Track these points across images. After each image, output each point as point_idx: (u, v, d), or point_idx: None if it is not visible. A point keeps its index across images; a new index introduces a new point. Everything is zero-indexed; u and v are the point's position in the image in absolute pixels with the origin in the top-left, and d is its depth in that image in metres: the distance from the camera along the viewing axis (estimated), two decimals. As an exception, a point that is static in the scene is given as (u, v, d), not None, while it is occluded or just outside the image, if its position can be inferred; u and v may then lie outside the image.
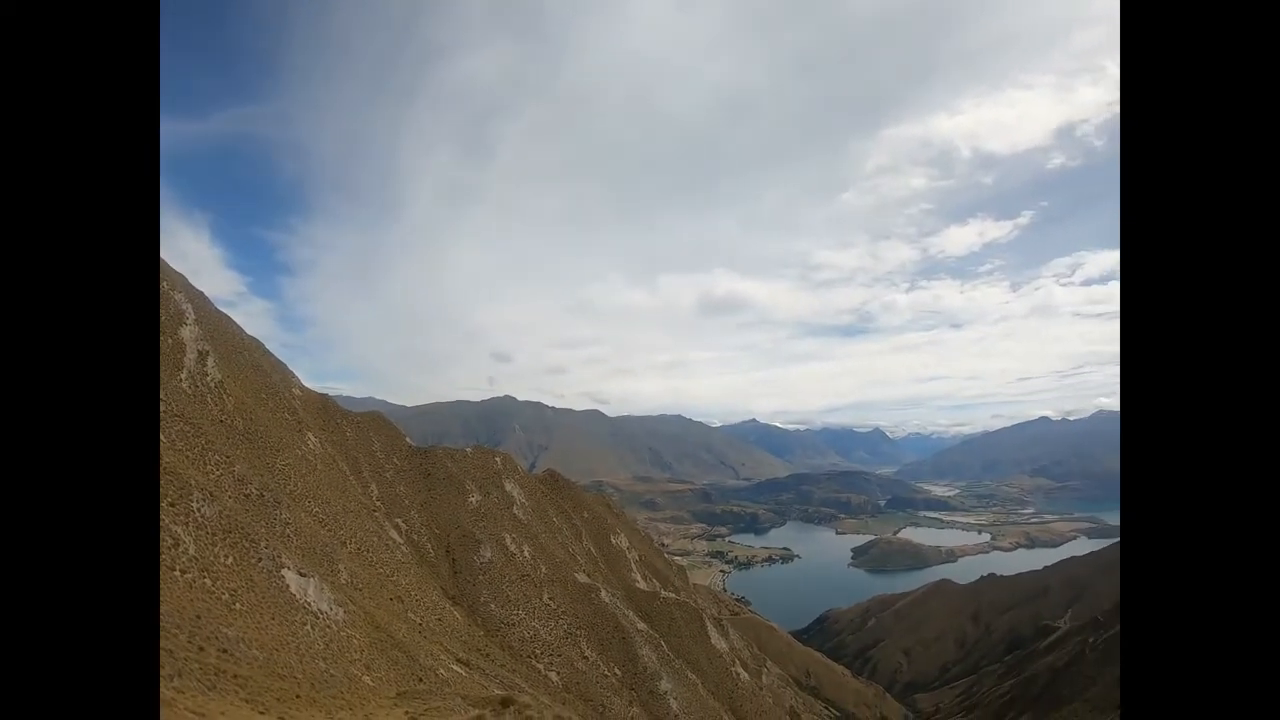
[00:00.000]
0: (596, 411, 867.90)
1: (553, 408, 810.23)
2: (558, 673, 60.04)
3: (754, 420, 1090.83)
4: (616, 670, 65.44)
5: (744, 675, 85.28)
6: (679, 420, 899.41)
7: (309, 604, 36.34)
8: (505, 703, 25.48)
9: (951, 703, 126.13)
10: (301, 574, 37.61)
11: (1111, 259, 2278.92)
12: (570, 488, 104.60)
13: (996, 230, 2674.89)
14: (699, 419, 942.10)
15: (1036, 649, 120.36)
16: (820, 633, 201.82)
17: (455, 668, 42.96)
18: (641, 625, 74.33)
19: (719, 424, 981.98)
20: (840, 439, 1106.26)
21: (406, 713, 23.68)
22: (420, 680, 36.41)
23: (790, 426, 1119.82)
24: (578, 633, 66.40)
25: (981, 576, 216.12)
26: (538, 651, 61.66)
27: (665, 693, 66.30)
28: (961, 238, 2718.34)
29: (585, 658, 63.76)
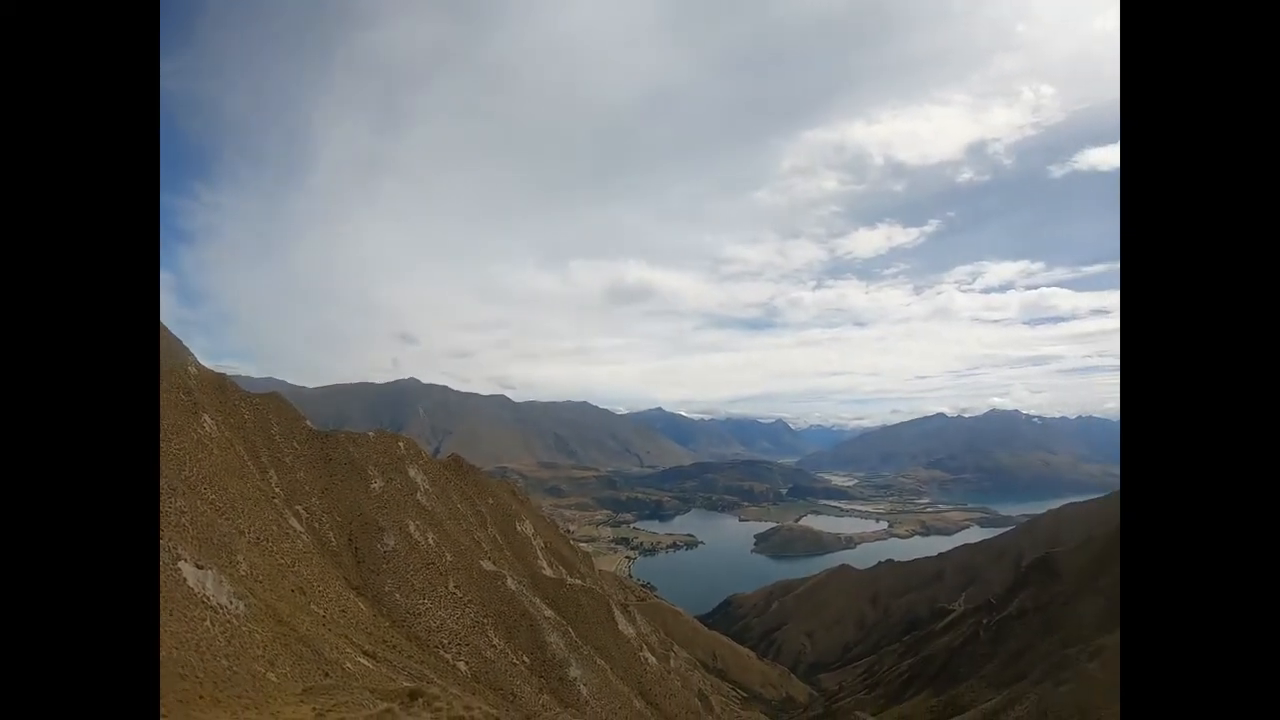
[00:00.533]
0: (502, 396, 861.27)
1: (458, 391, 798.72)
2: (466, 662, 59.02)
3: (660, 409, 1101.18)
4: (525, 658, 64.81)
5: (652, 660, 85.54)
6: (585, 407, 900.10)
7: (208, 598, 34.75)
8: (414, 695, 25.18)
9: (854, 681, 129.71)
10: (199, 566, 35.94)
11: (1009, 270, 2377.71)
12: (475, 473, 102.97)
13: (903, 236, 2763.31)
14: (605, 406, 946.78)
15: (933, 630, 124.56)
16: (725, 617, 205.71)
17: (362, 660, 41.55)
18: (549, 612, 73.74)
19: (625, 411, 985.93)
20: (744, 429, 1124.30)
21: (314, 709, 22.69)
22: (326, 675, 35.02)
23: (695, 416, 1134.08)
24: (485, 621, 65.39)
25: (880, 562, 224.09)
26: (445, 641, 60.64)
27: (575, 679, 66.16)
28: (869, 241, 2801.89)
29: (493, 646, 62.87)
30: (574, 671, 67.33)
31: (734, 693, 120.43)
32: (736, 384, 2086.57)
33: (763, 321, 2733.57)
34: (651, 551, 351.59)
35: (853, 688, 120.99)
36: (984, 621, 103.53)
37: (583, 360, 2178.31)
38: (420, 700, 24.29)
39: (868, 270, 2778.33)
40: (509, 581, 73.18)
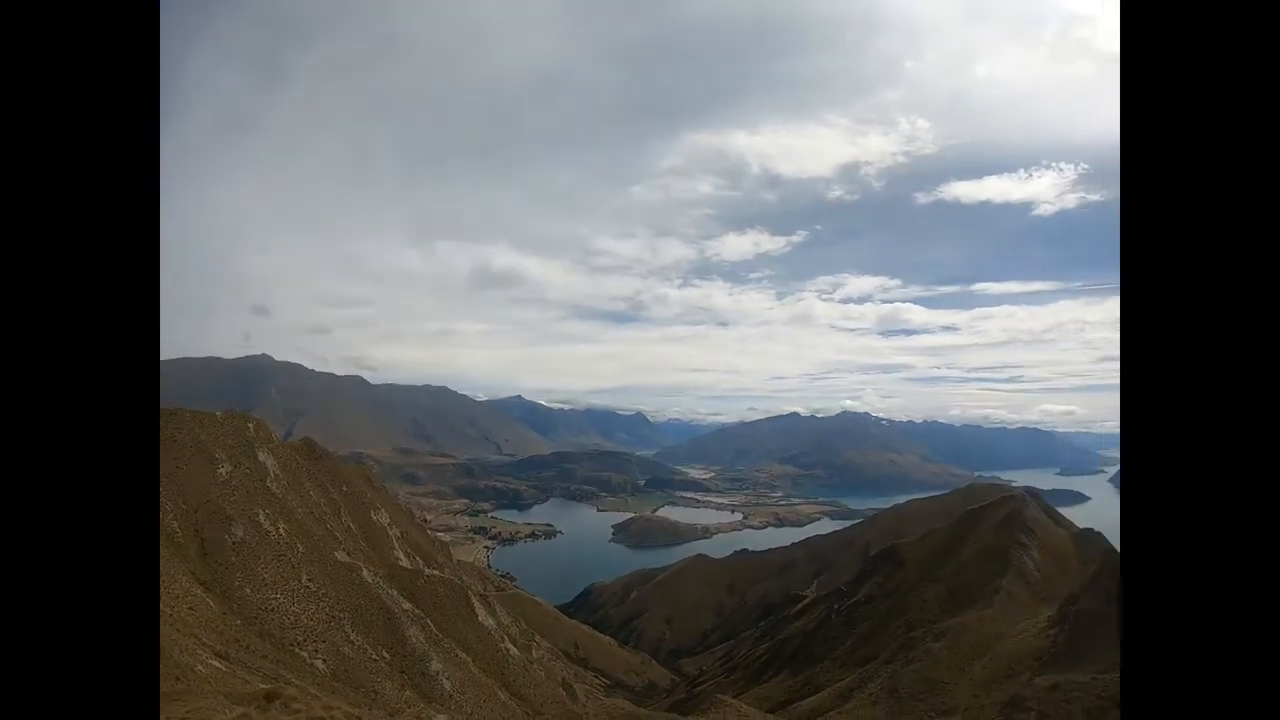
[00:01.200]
0: (359, 377, 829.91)
1: (312, 370, 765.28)
2: (324, 660, 56.54)
3: (519, 396, 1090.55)
4: (385, 653, 62.74)
5: (514, 651, 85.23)
6: (444, 392, 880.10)
7: (45, 597, 32.31)
8: (270, 696, 24.14)
9: (714, 666, 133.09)
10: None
11: (869, 283, 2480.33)
12: (328, 458, 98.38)
13: (771, 244, 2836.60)
14: (464, 391, 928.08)
15: (788, 615, 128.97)
16: (585, 606, 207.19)
17: (214, 662, 39.61)
18: (407, 605, 71.56)
19: (484, 398, 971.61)
20: (603, 420, 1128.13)
21: (167, 717, 21.95)
22: (178, 679, 33.16)
23: (555, 405, 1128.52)
24: (341, 615, 62.66)
25: (735, 551, 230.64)
26: (300, 638, 57.34)
27: (437, 673, 64.30)
28: (738, 245, 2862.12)
29: (351, 642, 60.49)
30: (435, 666, 65.67)
31: (598, 681, 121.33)
32: (598, 375, 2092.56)
33: (628, 315, 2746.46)
34: (510, 541, 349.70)
35: (713, 672, 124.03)
36: (835, 607, 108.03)
37: (445, 344, 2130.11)
38: (278, 702, 23.05)
39: (734, 273, 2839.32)
40: (365, 573, 70.39)
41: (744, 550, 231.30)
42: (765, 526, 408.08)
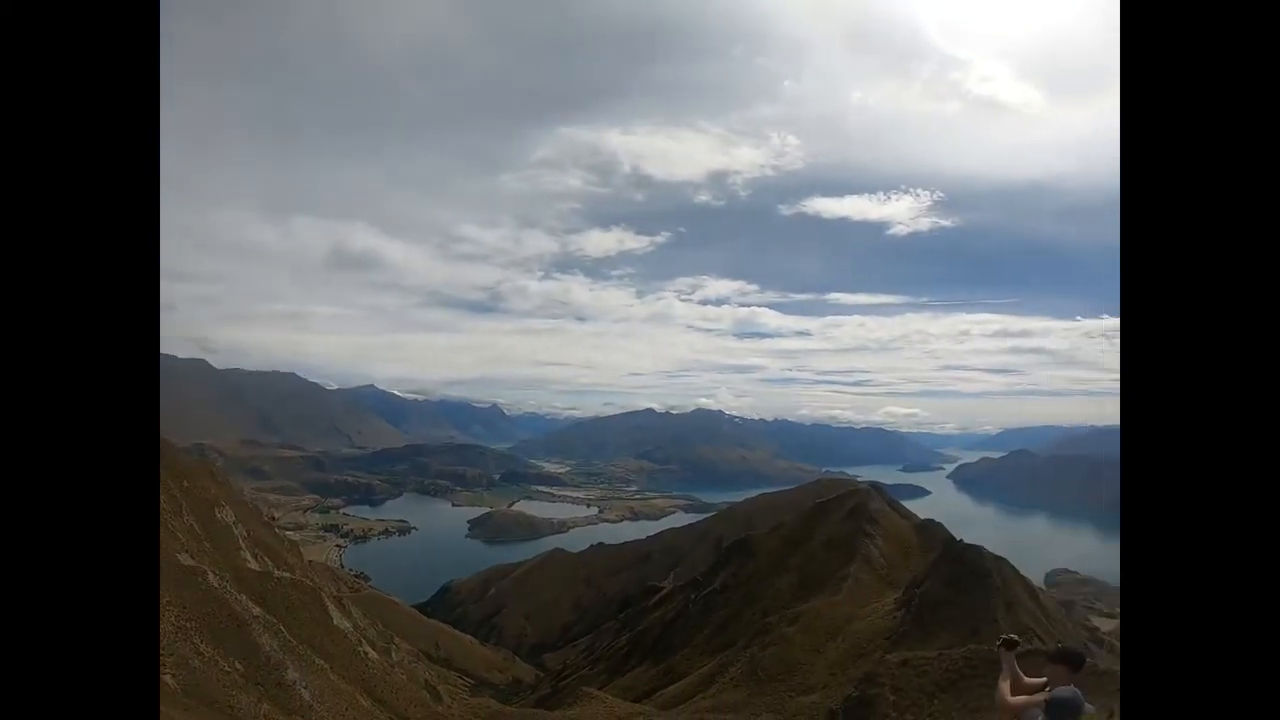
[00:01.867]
0: (202, 361, 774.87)
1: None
2: (173, 675, 52.37)
3: (373, 385, 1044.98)
4: (238, 664, 58.83)
5: (373, 654, 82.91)
6: (293, 379, 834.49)
7: None
8: None
9: (577, 659, 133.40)
10: None
11: (727, 287, 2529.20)
12: (169, 451, 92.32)
13: (635, 242, 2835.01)
14: (315, 379, 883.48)
15: (646, 606, 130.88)
16: (443, 604, 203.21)
17: None
18: (257, 610, 67.13)
19: (336, 386, 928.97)
20: (458, 412, 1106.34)
21: None
22: None
23: (409, 395, 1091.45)
24: (188, 625, 58.42)
25: (592, 545, 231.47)
26: None
27: (294, 682, 60.41)
28: (601, 242, 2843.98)
29: (201, 654, 56.43)
30: (292, 674, 61.21)
31: (461, 681, 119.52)
32: (454, 366, 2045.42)
33: (487, 305, 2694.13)
34: (363, 539, 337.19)
35: (576, 665, 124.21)
36: (692, 597, 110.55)
37: (296, 327, 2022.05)
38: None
39: (596, 269, 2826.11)
40: (211, 577, 65.11)
41: (601, 544, 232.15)
42: (621, 520, 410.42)
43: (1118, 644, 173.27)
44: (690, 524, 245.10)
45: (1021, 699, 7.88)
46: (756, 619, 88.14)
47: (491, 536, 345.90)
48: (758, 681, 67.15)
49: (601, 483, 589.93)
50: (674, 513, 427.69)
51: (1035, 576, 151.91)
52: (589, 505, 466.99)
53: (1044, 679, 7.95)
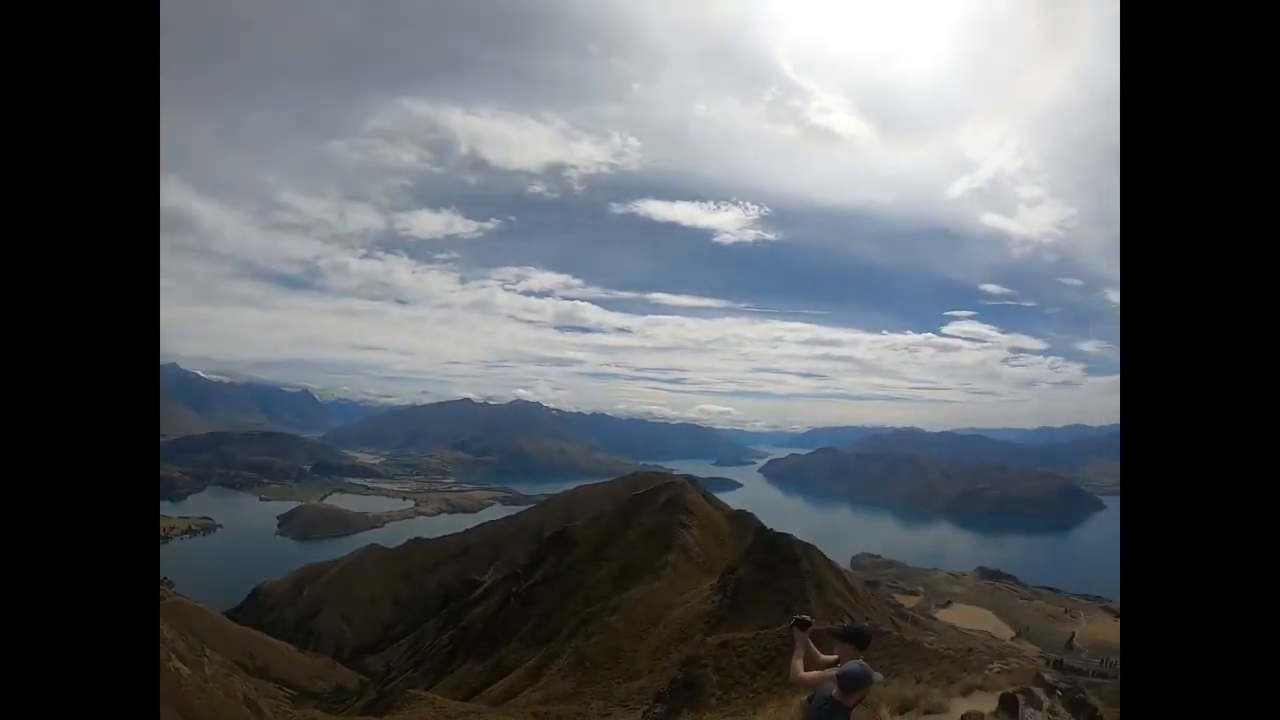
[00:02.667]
0: None
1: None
2: None
3: (174, 364, 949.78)
4: None
5: (184, 669, 77.44)
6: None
7: None
8: None
9: (401, 660, 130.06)
10: None
11: (552, 279, 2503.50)
12: None
13: (463, 227, 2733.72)
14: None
15: (468, 601, 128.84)
16: (255, 609, 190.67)
17: None
18: None
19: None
20: (267, 397, 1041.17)
21: None
22: None
23: (214, 377, 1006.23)
24: None
25: (409, 540, 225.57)
26: None
27: None
28: (429, 223, 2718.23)
29: None
30: None
31: (282, 692, 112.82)
32: (264, 345, 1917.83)
33: (302, 281, 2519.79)
34: (164, 539, 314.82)
35: (401, 666, 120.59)
36: (514, 589, 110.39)
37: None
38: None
39: (420, 250, 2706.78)
40: None
41: (418, 538, 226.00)
42: (438, 513, 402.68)
43: (920, 618, 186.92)
44: (509, 516, 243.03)
45: (813, 674, 8.15)
46: (579, 609, 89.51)
47: (303, 533, 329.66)
48: (585, 671, 68.02)
49: (417, 474, 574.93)
50: (492, 505, 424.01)
51: (841, 560, 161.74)
52: (404, 498, 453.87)
53: (835, 655, 8.28)
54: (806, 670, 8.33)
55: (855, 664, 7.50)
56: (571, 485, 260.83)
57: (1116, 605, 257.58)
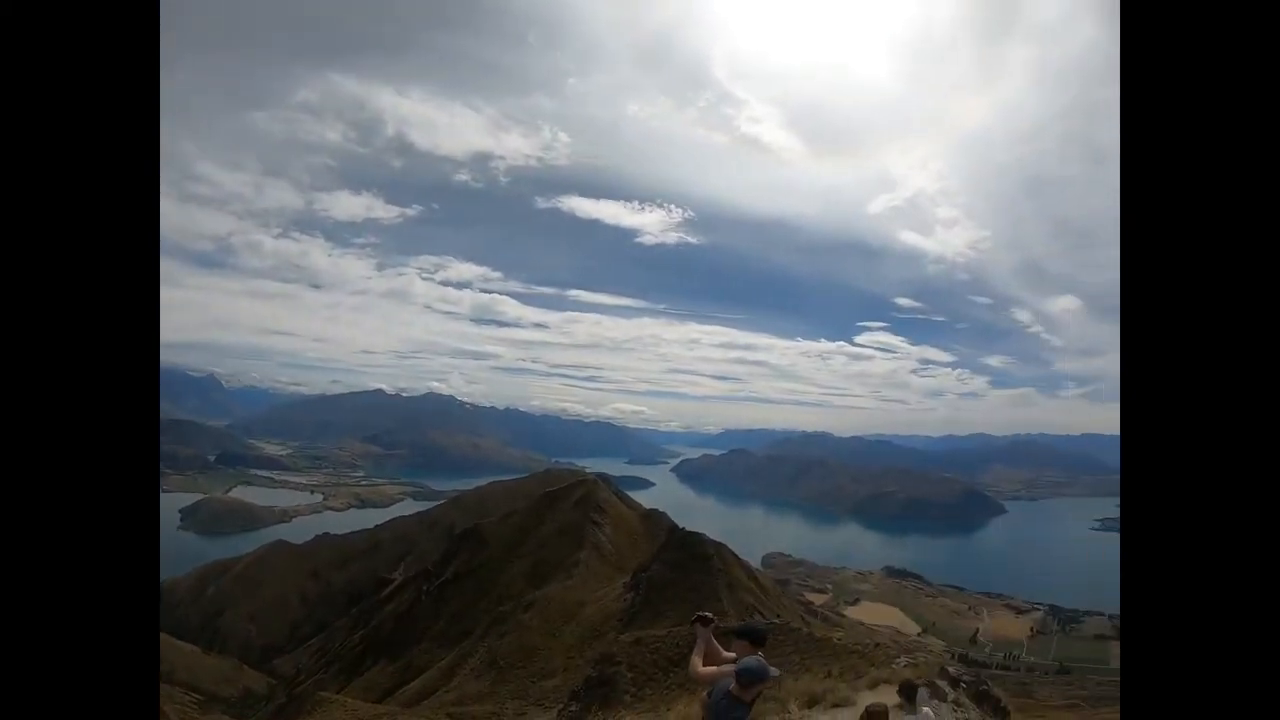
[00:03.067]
0: None
1: None
2: None
3: None
4: None
5: None
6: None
7: None
8: None
9: (310, 662, 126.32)
10: None
11: (471, 271, 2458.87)
12: None
13: (384, 211, 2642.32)
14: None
15: (379, 599, 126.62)
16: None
17: None
18: None
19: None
20: (172, 382, 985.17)
21: None
22: None
23: None
24: None
25: (317, 535, 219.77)
26: None
27: None
28: (350, 205, 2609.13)
29: None
30: None
31: (188, 698, 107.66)
32: (169, 326, 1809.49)
33: (213, 258, 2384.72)
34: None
35: (311, 668, 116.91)
36: (425, 588, 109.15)
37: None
38: None
39: (338, 233, 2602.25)
40: None
41: (326, 534, 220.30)
42: (347, 508, 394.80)
43: (829, 615, 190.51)
44: (420, 512, 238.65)
45: (710, 669, 8.29)
46: (491, 607, 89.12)
47: (207, 528, 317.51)
48: (498, 670, 67.69)
49: (326, 467, 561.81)
50: (402, 500, 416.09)
51: (752, 559, 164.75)
52: (313, 492, 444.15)
53: (734, 653, 8.30)
54: (704, 666, 8.50)
55: (752, 659, 7.62)
56: (484, 481, 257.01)
57: (1017, 602, 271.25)
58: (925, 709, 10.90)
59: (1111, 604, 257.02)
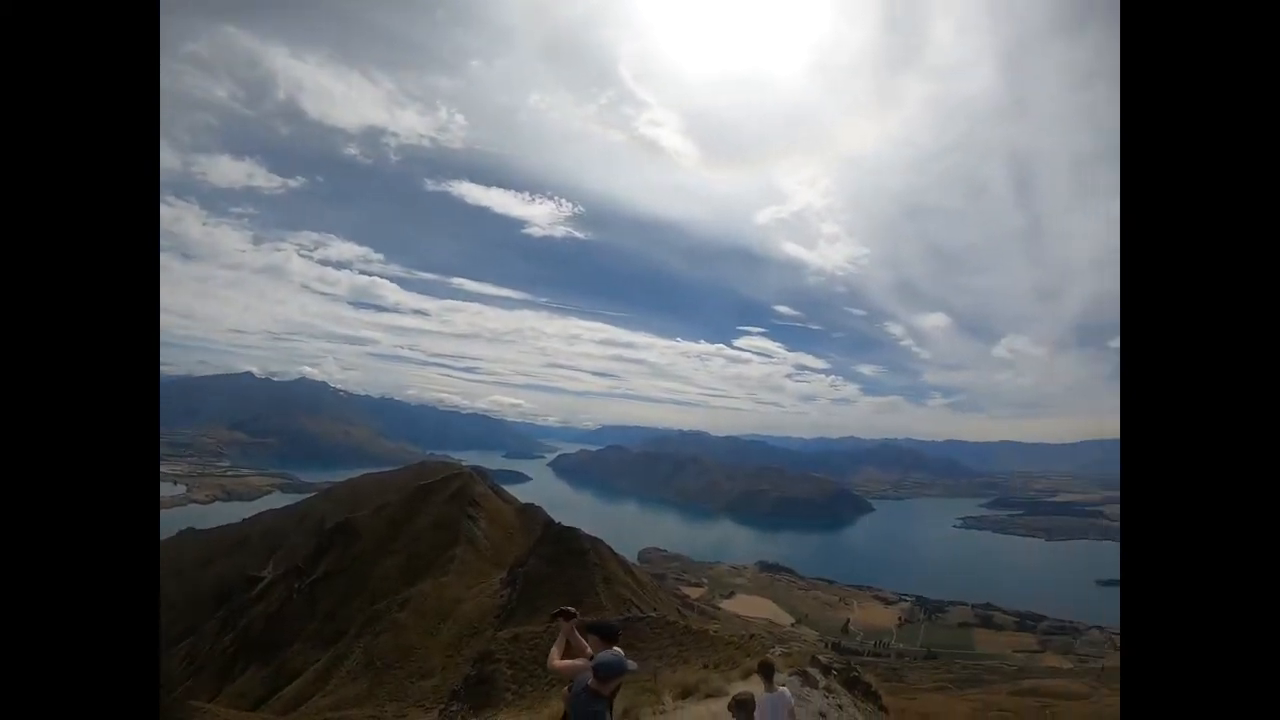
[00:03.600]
0: None
1: None
2: None
3: None
4: None
5: None
6: None
7: None
8: None
9: (178, 669, 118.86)
10: None
11: (352, 250, 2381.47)
12: None
13: (266, 180, 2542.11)
14: None
15: (248, 599, 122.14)
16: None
17: None
18: None
19: None
20: None
21: None
22: None
23: None
24: None
25: (180, 530, 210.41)
26: None
27: None
28: (229, 171, 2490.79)
29: None
30: None
31: None
32: None
33: None
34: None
35: (179, 676, 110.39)
36: (296, 586, 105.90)
37: None
38: None
39: (214, 201, 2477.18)
40: None
41: (190, 529, 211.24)
42: (212, 501, 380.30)
43: (705, 608, 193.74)
44: (289, 505, 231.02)
45: (565, 662, 8.42)
46: (365, 605, 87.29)
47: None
48: (375, 671, 66.48)
49: (190, 455, 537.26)
50: (271, 492, 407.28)
51: (629, 554, 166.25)
52: (175, 482, 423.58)
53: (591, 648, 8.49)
54: (561, 659, 8.62)
55: (609, 654, 7.70)
56: (356, 473, 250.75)
57: (885, 593, 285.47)
58: (782, 687, 11.63)
59: (973, 594, 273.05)
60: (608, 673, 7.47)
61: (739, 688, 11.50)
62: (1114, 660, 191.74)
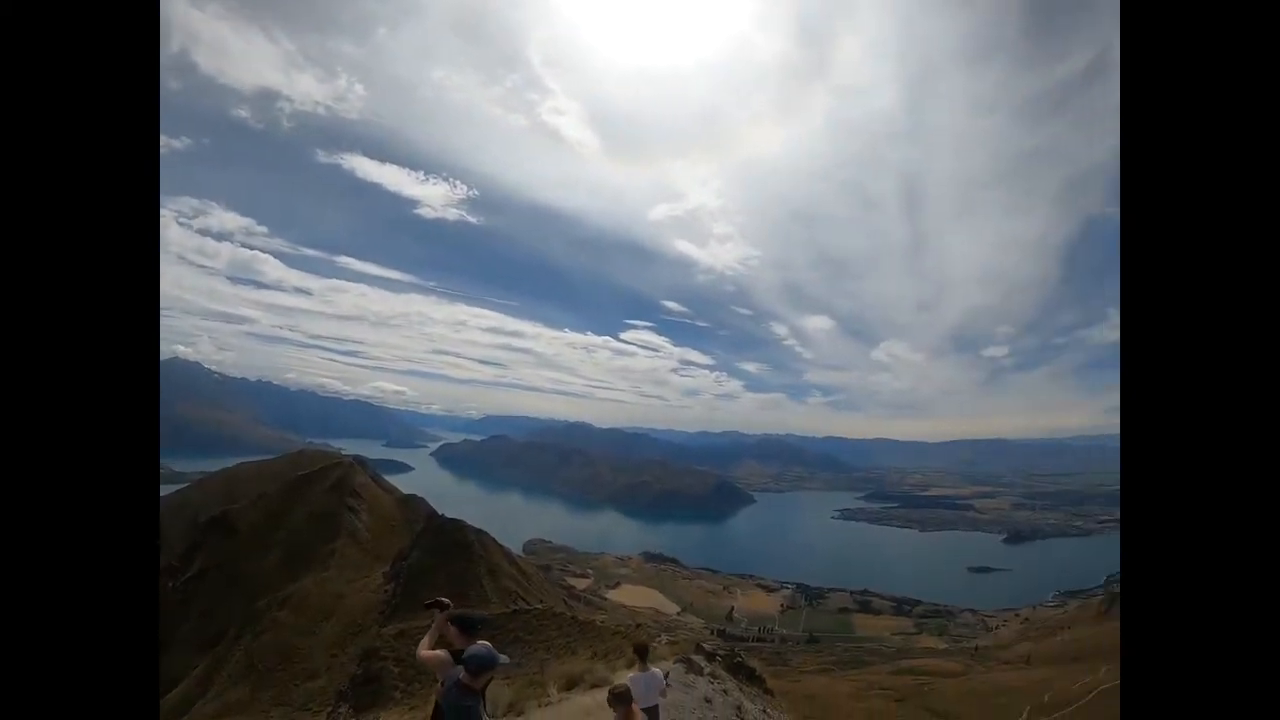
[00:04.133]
0: None
1: None
2: None
3: None
4: None
5: None
6: None
7: None
8: None
9: None
10: None
11: (235, 221, 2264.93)
12: None
13: None
14: None
15: None
16: None
17: None
18: None
19: None
20: None
21: None
22: None
23: None
24: None
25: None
26: None
27: None
28: None
29: None
30: None
31: None
32: None
33: None
34: None
35: None
36: (170, 584, 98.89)
37: None
38: None
39: None
40: None
41: None
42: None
43: (591, 599, 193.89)
44: (162, 496, 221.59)
45: (431, 653, 8.27)
46: (244, 605, 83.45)
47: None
48: (258, 675, 63.88)
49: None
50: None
51: (514, 546, 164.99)
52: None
53: (454, 641, 8.38)
54: (430, 650, 8.45)
55: (480, 647, 7.57)
56: (231, 462, 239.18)
57: (768, 581, 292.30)
58: (654, 668, 12.01)
59: (852, 581, 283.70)
60: (479, 666, 7.37)
61: (625, 676, 12.00)
62: (986, 640, 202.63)
